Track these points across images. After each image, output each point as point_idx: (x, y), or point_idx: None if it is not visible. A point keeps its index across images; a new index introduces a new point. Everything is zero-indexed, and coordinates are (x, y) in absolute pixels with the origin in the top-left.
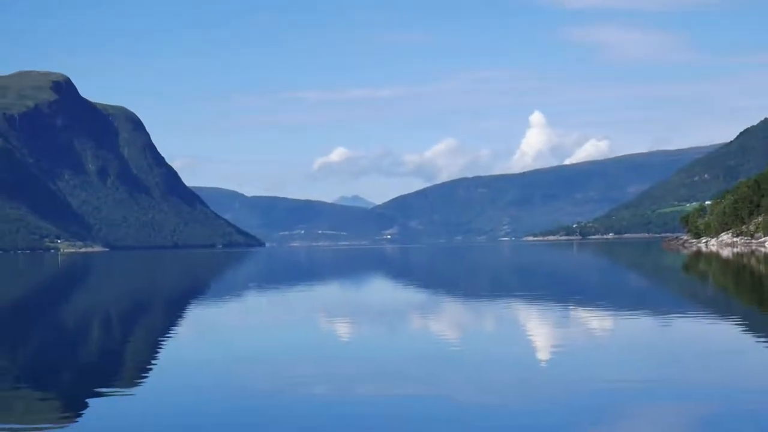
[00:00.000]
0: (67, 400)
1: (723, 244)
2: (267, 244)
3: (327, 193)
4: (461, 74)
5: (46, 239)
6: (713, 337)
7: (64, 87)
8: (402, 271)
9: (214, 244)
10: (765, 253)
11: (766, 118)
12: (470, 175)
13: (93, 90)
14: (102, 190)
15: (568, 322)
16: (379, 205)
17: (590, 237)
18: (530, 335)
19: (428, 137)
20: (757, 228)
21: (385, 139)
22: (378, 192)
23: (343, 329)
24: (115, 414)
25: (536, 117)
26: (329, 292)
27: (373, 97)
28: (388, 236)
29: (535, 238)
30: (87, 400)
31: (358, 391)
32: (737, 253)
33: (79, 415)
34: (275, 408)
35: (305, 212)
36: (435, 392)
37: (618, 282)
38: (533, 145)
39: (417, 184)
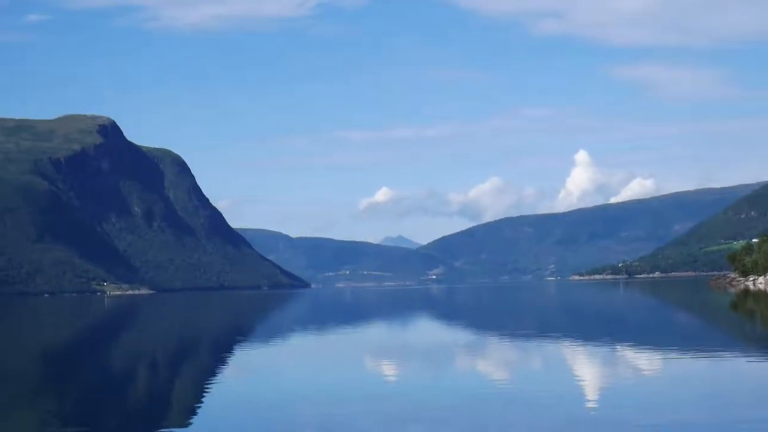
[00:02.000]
0: None
1: None
2: (312, 285)
3: (372, 233)
4: (506, 113)
5: (93, 282)
6: (765, 375)
7: (109, 130)
8: (448, 310)
9: (259, 285)
10: None
11: None
12: (515, 215)
13: (138, 133)
14: (148, 233)
15: (616, 362)
16: (425, 245)
17: (636, 276)
18: (578, 375)
19: (473, 177)
20: None
21: (430, 178)
22: (423, 232)
23: (390, 369)
24: None
25: (581, 155)
26: (375, 332)
27: (418, 137)
28: (434, 276)
29: (581, 278)
30: None
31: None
32: None
33: None
34: None
35: (351, 253)
36: None
37: (666, 321)
38: (578, 184)
39: (462, 224)
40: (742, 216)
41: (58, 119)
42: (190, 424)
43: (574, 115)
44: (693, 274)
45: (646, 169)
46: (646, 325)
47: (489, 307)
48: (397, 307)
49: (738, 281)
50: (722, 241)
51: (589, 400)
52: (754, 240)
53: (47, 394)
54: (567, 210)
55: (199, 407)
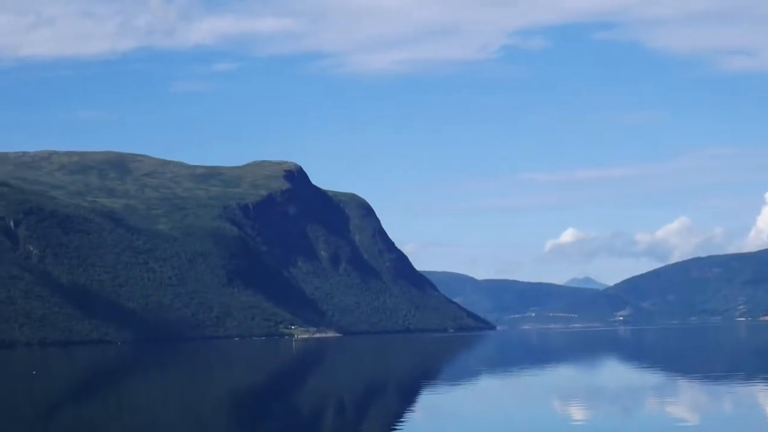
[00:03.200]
0: None
1: None
2: (498, 327)
3: (558, 275)
4: (692, 153)
5: (281, 325)
6: None
7: (296, 176)
8: (636, 353)
9: (445, 328)
10: None
11: None
12: (704, 255)
13: (324, 178)
14: (334, 277)
15: None
16: (611, 287)
17: None
18: None
19: (660, 217)
20: None
21: (616, 219)
22: (609, 273)
23: (578, 412)
24: None
25: None
26: (564, 374)
27: (604, 178)
28: (621, 317)
29: None
30: None
31: None
32: None
33: None
34: None
35: (536, 295)
36: None
37: None
38: None
39: (649, 265)
40: None
41: (246, 166)
42: None
43: (762, 154)
44: None
45: None
46: None
47: (678, 349)
48: (585, 348)
49: None
50: None
51: None
52: None
53: None
54: (757, 249)
55: None
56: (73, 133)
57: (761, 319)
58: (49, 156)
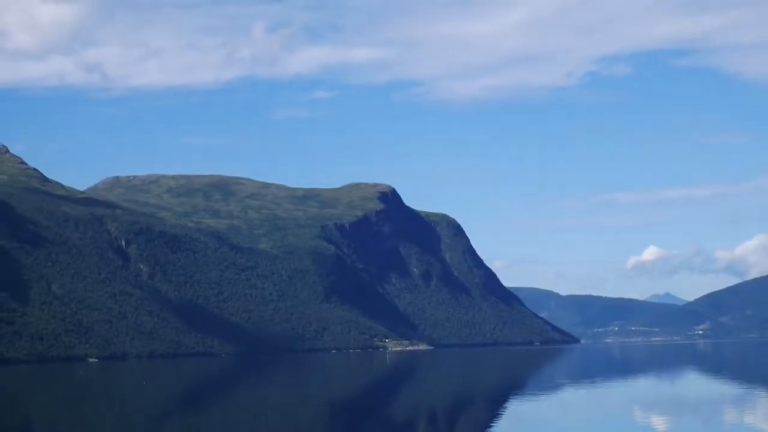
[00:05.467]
0: None
1: None
2: (582, 341)
3: (639, 290)
4: None
5: (375, 338)
6: None
7: (389, 197)
8: (715, 365)
9: (531, 341)
10: None
11: None
12: None
13: (416, 199)
14: (426, 292)
15: None
16: (691, 302)
17: None
18: None
19: (739, 234)
20: None
21: (697, 237)
22: (689, 288)
23: (659, 422)
24: None
25: None
26: (645, 386)
27: (685, 197)
28: (700, 332)
29: None
30: None
31: None
32: None
33: None
34: None
35: (618, 309)
36: None
37: None
38: None
39: (728, 281)
40: None
41: (342, 188)
42: None
43: None
44: None
45: None
46: None
47: (755, 362)
48: (666, 361)
49: None
50: None
51: None
52: None
53: None
54: None
55: None
56: (180, 158)
57: None
58: (157, 180)
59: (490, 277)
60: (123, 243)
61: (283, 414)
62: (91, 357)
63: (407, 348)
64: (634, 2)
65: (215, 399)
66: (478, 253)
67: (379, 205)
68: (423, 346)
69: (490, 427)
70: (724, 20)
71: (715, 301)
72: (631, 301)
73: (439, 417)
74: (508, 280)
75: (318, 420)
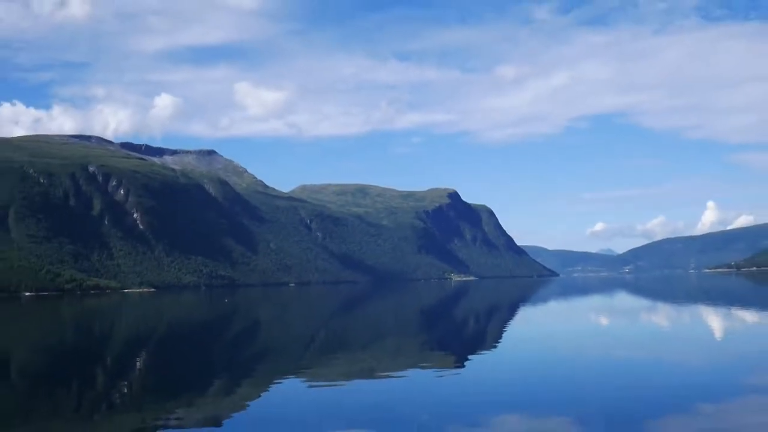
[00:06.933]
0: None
1: None
2: (560, 275)
3: (594, 247)
4: None
5: (445, 273)
6: None
7: (453, 195)
8: (635, 288)
9: (532, 275)
10: None
11: None
12: None
13: (468, 196)
14: (473, 248)
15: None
16: (621, 253)
17: None
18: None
19: (648, 216)
20: None
21: (626, 217)
22: (621, 246)
23: (604, 321)
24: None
25: None
26: (596, 299)
27: (622, 195)
28: (627, 270)
29: None
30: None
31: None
32: None
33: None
34: (582, 370)
35: (582, 258)
36: None
37: None
38: None
39: (643, 242)
40: None
41: (428, 190)
42: (501, 354)
43: None
44: None
45: None
46: None
47: (659, 288)
48: (607, 287)
49: None
50: None
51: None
52: None
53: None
54: None
55: (497, 344)
56: (338, 174)
57: None
58: (327, 186)
59: (509, 240)
60: (309, 221)
61: (394, 313)
62: (291, 283)
63: (463, 278)
64: (593, 87)
65: (359, 305)
66: (503, 226)
67: (447, 200)
68: (472, 278)
69: (511, 319)
70: (641, 97)
71: (636, 253)
72: (588, 253)
73: (481, 314)
74: (520, 241)
75: (415, 318)
